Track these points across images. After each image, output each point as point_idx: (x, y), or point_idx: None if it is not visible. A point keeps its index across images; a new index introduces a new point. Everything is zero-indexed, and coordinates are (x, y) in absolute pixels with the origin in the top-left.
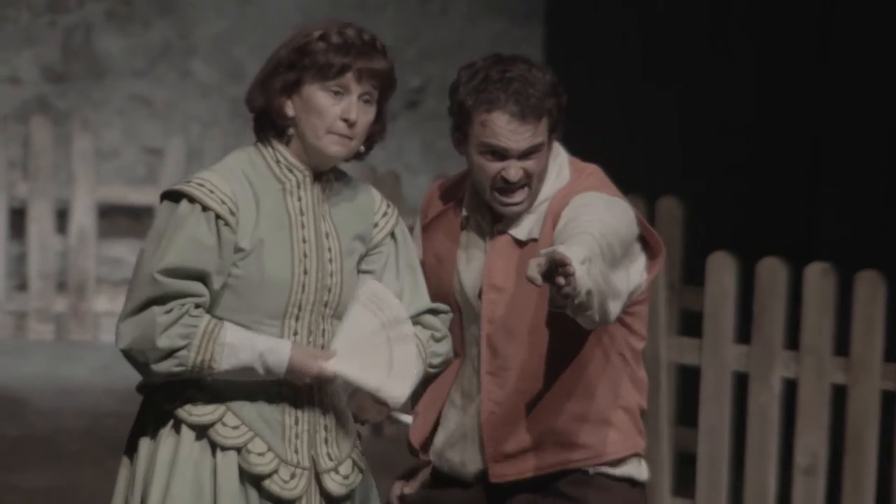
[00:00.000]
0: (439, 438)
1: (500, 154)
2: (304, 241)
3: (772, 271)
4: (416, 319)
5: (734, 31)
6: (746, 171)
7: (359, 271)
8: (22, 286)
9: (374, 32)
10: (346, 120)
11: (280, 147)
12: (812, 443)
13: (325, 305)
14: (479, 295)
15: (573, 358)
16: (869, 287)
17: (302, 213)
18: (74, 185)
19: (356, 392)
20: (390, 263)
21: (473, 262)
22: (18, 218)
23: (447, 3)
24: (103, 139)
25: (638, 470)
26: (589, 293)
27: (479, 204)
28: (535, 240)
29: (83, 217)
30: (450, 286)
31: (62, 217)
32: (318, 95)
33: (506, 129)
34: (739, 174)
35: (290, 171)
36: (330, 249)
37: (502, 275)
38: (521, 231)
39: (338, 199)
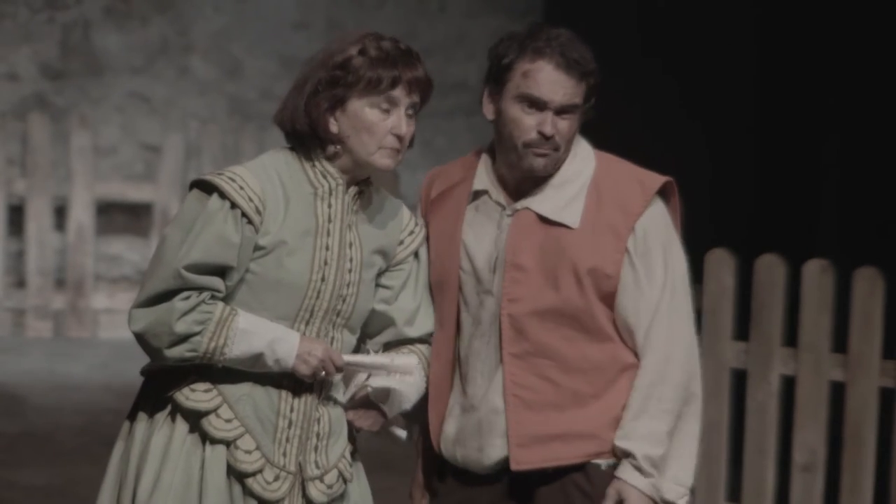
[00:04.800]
0: (450, 428)
1: (540, 106)
2: (326, 248)
3: (770, 268)
4: (421, 338)
5: (736, 26)
6: (746, 168)
7: (377, 285)
8: (20, 283)
9: (400, 38)
10: (396, 135)
11: (319, 154)
12: (810, 440)
13: (338, 314)
14: (495, 269)
15: (597, 360)
16: (867, 284)
17: (329, 220)
18: (73, 182)
19: (357, 398)
20: (410, 282)
21: (485, 237)
22: (17, 215)
23: (445, 0)
24: (101, 136)
25: None
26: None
27: (495, 179)
28: (569, 227)
29: (81, 214)
30: (455, 263)
31: (60, 214)
32: (367, 112)
33: (549, 78)
34: (739, 171)
35: (325, 177)
36: (351, 260)
37: (527, 254)
38: (546, 208)
39: (367, 211)
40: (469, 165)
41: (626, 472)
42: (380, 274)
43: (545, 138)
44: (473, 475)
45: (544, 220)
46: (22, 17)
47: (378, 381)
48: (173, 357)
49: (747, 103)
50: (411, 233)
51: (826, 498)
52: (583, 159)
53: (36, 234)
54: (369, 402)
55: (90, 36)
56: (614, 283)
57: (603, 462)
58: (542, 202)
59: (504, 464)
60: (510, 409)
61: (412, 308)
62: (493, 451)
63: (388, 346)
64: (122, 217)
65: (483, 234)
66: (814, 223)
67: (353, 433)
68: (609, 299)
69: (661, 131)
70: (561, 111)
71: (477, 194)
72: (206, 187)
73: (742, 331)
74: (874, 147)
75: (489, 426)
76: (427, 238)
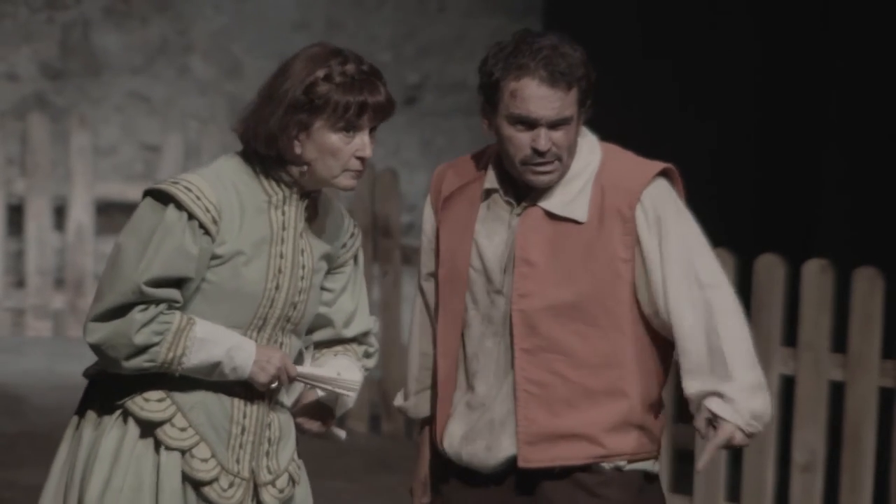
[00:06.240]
0: (457, 427)
1: (531, 123)
2: (281, 256)
3: (770, 268)
4: (356, 337)
5: (736, 26)
6: (745, 167)
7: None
8: (20, 283)
9: (362, 55)
10: (360, 157)
11: (275, 166)
12: (810, 439)
13: (289, 321)
14: (506, 269)
15: (610, 356)
16: (867, 284)
17: (283, 228)
18: (72, 181)
19: (302, 402)
20: (349, 284)
21: (496, 237)
22: (16, 215)
23: (445, 0)
24: (101, 136)
25: (652, 467)
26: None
27: (504, 178)
28: (577, 221)
29: (81, 214)
30: (465, 260)
31: (60, 214)
32: (332, 137)
33: (535, 95)
34: (738, 171)
35: (279, 185)
36: (303, 267)
37: (536, 249)
38: (553, 204)
39: (314, 217)
40: (481, 163)
41: (729, 422)
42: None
43: (540, 154)
44: (478, 474)
45: (552, 217)
46: (22, 17)
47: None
48: (131, 368)
49: (748, 103)
50: (352, 235)
51: (826, 498)
52: (588, 152)
53: (35, 234)
54: (316, 404)
55: (90, 36)
56: (630, 265)
57: (608, 464)
58: (550, 199)
59: (510, 463)
60: (520, 405)
61: (350, 310)
62: (501, 449)
63: (320, 345)
64: (122, 217)
65: (494, 233)
66: (814, 223)
67: (296, 435)
68: (627, 285)
69: (661, 131)
70: (554, 125)
71: (489, 193)
72: (162, 197)
73: None
74: (874, 147)
75: (501, 425)
76: (438, 234)
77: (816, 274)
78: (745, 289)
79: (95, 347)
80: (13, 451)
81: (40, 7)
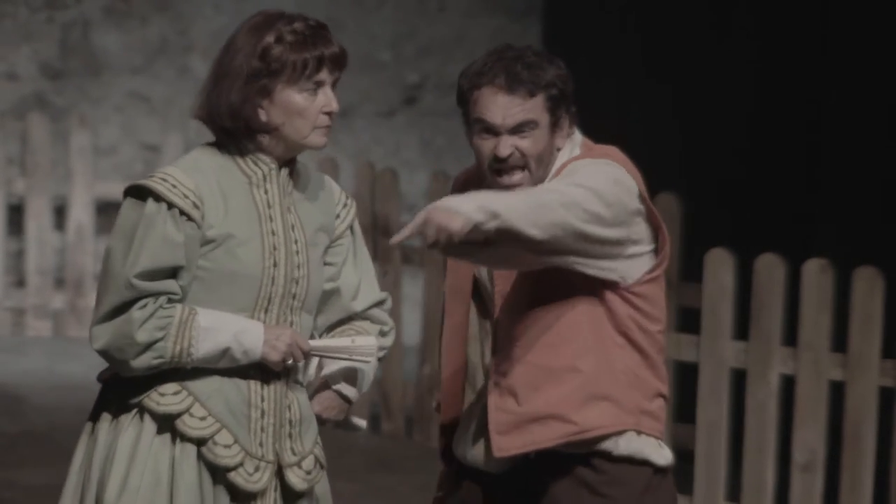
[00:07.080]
0: (466, 432)
1: (492, 130)
2: (272, 233)
3: (770, 268)
4: (366, 313)
5: (735, 27)
6: (745, 167)
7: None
8: (20, 283)
9: (300, 12)
10: (328, 112)
11: (247, 144)
12: (810, 439)
13: (294, 298)
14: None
15: (565, 332)
16: (867, 284)
17: (269, 206)
18: (72, 181)
19: (317, 391)
20: (350, 256)
21: None
22: (16, 214)
23: (445, 0)
24: (101, 136)
25: (658, 453)
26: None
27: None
28: None
29: (81, 213)
30: (468, 268)
31: (60, 213)
32: (296, 97)
33: (493, 101)
34: (738, 171)
35: (256, 164)
36: (296, 241)
37: None
38: None
39: (300, 191)
40: (482, 176)
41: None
42: (324, 251)
43: (501, 160)
44: (487, 474)
45: None
46: (21, 17)
47: (336, 364)
48: (141, 367)
49: (747, 102)
50: (345, 205)
51: (826, 497)
52: (568, 155)
53: (35, 234)
54: (331, 391)
55: (90, 35)
56: None
57: (610, 444)
58: None
59: (511, 461)
60: (491, 397)
61: (355, 282)
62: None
63: (333, 328)
64: None
65: None
66: (814, 223)
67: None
68: None
69: (660, 132)
70: (515, 131)
71: None
72: (140, 192)
73: (742, 330)
74: (874, 147)
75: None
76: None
77: (816, 274)
78: (745, 289)
79: (103, 353)
80: (13, 451)
81: (40, 7)
